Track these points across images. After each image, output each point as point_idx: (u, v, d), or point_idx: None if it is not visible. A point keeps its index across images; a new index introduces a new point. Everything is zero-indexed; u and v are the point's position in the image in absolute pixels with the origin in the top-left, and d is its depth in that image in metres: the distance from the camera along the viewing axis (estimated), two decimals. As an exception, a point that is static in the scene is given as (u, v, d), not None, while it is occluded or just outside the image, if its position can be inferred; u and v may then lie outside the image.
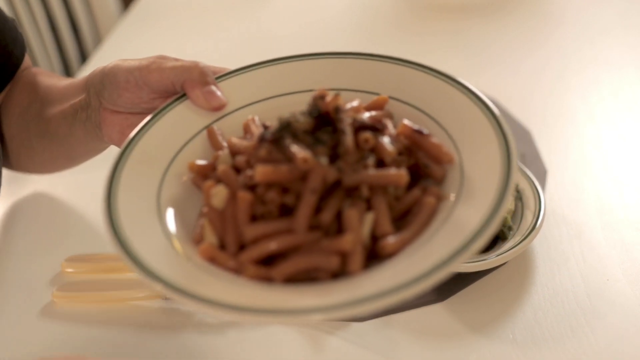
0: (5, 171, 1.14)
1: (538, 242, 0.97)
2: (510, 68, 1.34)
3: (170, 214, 0.74)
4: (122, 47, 1.56)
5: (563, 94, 1.27)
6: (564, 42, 1.40)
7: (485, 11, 1.48)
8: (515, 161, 0.69)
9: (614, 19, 1.44)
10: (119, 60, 0.88)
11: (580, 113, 1.23)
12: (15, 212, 1.14)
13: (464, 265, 0.91)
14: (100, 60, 1.51)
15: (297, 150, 0.69)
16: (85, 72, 1.48)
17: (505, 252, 0.92)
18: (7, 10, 1.55)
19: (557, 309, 0.89)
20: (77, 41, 1.81)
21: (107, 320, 0.94)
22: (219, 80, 0.84)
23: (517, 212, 0.97)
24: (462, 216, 0.67)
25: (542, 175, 1.07)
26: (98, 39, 1.83)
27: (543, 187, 1.03)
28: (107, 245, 1.01)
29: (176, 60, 0.84)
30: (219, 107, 0.82)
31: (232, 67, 0.87)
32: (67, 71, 1.79)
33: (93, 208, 1.13)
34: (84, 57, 1.81)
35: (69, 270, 1.01)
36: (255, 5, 1.65)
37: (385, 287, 0.62)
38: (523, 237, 0.93)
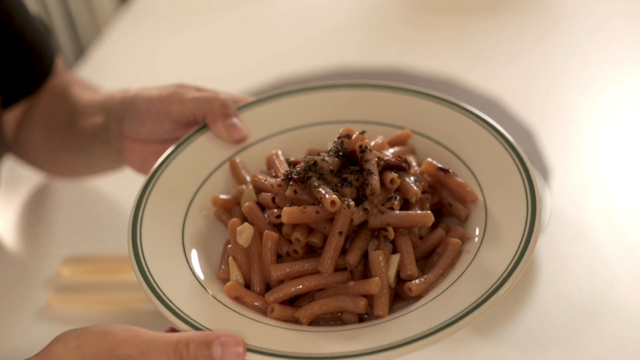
0: (3, 171, 1.14)
1: (542, 244, 0.97)
2: (512, 65, 1.33)
3: (195, 252, 0.75)
4: (120, 43, 1.54)
5: (564, 91, 1.27)
6: (566, 38, 1.39)
7: (487, 6, 1.48)
8: (540, 201, 0.70)
9: (615, 13, 1.43)
10: (140, 89, 0.88)
11: (583, 110, 1.22)
12: (11, 212, 1.13)
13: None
14: (98, 56, 1.50)
15: (325, 193, 0.69)
16: (82, 68, 1.46)
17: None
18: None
19: (561, 311, 0.90)
20: (74, 36, 1.79)
21: (105, 322, 0.94)
22: (241, 110, 0.84)
23: None
24: (488, 259, 0.68)
25: (544, 174, 1.07)
26: (95, 34, 1.81)
27: (546, 186, 1.04)
28: (104, 246, 1.01)
29: (197, 89, 0.84)
30: (241, 140, 0.82)
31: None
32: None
33: (90, 209, 1.13)
34: (80, 52, 1.79)
35: (66, 271, 1.00)
36: (258, 1, 1.64)
37: (412, 335, 0.63)
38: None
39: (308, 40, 1.48)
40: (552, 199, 1.01)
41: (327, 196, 0.69)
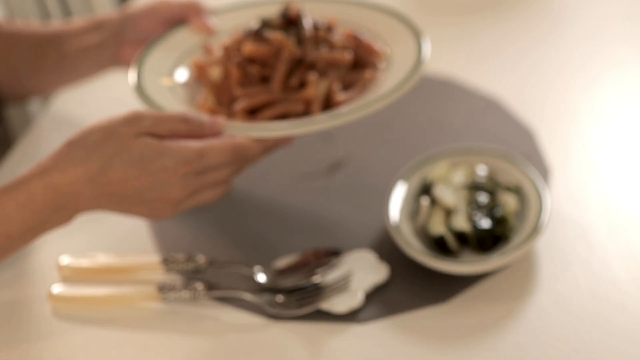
0: (5, 169, 1.16)
1: (542, 244, 0.97)
2: (512, 65, 1.31)
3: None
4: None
5: (565, 91, 1.24)
6: (566, 38, 1.37)
7: (487, 6, 1.47)
8: (427, 51, 1.03)
9: (615, 13, 1.42)
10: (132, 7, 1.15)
11: (583, 110, 1.20)
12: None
13: (467, 267, 0.92)
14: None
15: (273, 34, 1.00)
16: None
17: (508, 253, 0.92)
18: (1, 6, 1.53)
19: (561, 311, 0.90)
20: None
21: (105, 322, 0.94)
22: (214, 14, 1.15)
23: (520, 213, 0.97)
24: (399, 65, 1.01)
25: (544, 174, 1.07)
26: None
27: (546, 186, 1.03)
28: (105, 245, 1.04)
29: None
30: (213, 31, 1.12)
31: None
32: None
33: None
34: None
35: (66, 270, 1.00)
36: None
37: (342, 111, 0.94)
38: (526, 238, 0.93)
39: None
40: (552, 199, 1.01)
41: (275, 36, 1.00)
